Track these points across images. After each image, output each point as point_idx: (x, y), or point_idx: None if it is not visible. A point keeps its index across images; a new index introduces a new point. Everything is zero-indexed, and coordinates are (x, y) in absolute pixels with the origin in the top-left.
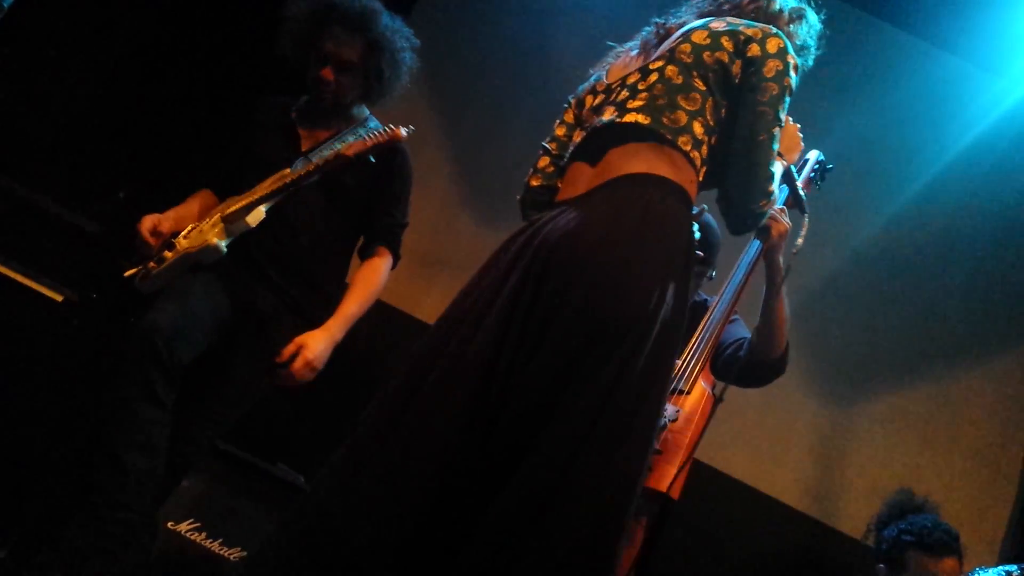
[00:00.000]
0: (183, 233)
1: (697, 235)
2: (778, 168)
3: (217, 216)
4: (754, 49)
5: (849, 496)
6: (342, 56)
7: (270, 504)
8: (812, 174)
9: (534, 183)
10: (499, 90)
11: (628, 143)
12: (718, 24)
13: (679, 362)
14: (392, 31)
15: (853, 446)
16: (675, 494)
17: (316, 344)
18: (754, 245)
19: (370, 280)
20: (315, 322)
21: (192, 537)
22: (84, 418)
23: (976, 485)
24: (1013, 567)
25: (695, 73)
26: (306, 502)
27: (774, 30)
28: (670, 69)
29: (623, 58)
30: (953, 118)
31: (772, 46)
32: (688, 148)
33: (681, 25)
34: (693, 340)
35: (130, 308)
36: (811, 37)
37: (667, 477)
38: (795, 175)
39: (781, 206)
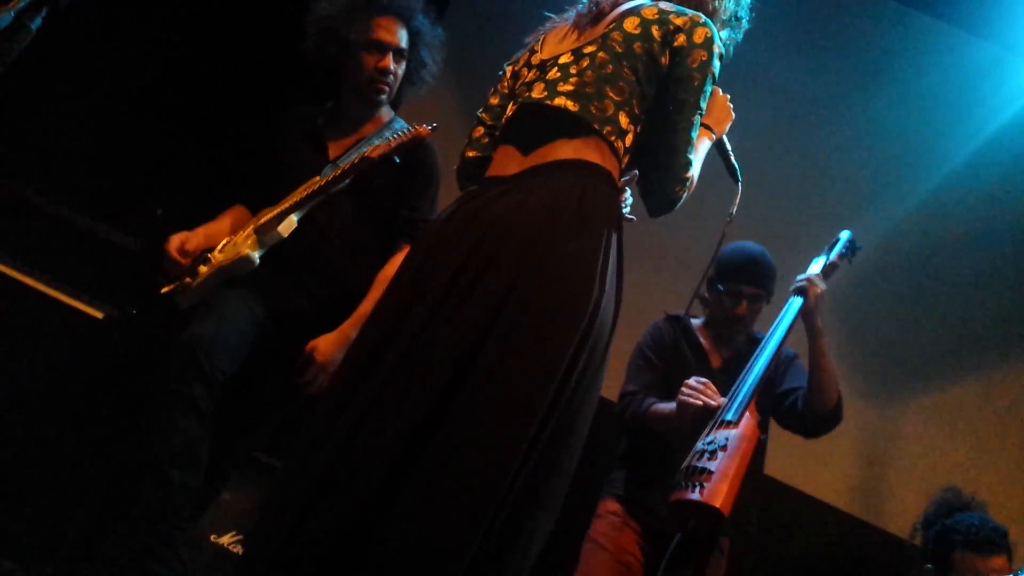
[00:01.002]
0: (218, 248)
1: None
2: (703, 145)
3: (250, 228)
4: (680, 39)
5: (895, 495)
6: (397, 44)
7: None
8: (844, 250)
9: (469, 154)
10: None
11: (559, 128)
12: (649, 11)
13: (729, 393)
14: (428, 23)
15: (899, 444)
16: (727, 511)
17: (328, 347)
18: (793, 301)
19: (391, 276)
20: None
21: (235, 550)
22: (126, 434)
23: None
24: None
25: (624, 63)
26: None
27: (702, 19)
28: (601, 56)
29: (557, 30)
30: (983, 102)
31: (699, 36)
32: (612, 138)
33: (615, 4)
34: (742, 375)
35: (170, 324)
36: (742, 8)
37: (721, 494)
38: (728, 147)
39: (818, 273)
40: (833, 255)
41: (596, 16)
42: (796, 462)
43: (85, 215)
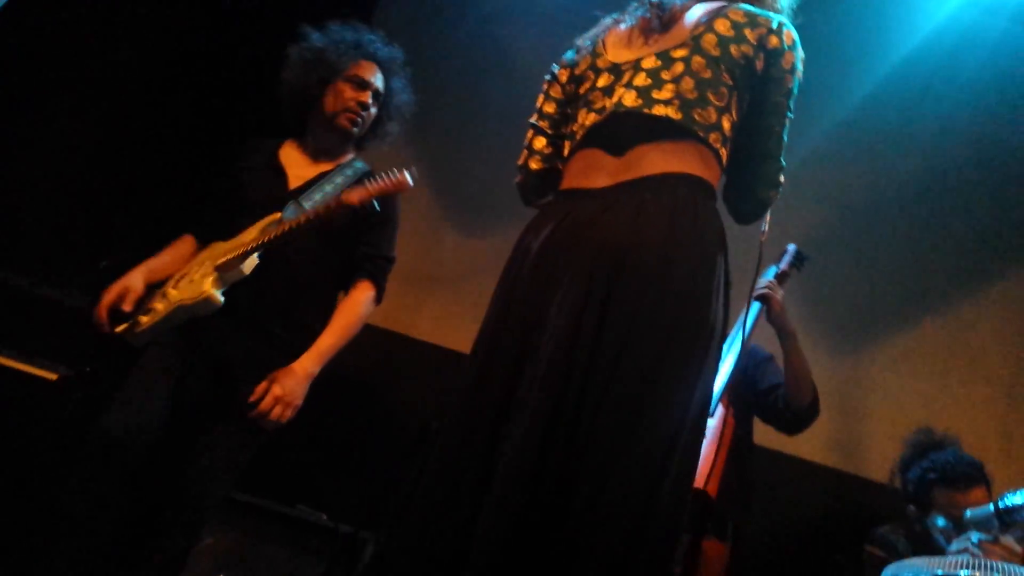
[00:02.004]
0: (172, 283)
1: None
2: None
3: (208, 265)
4: (774, 41)
5: (873, 442)
6: (375, 86)
7: (296, 546)
8: (792, 261)
9: (534, 166)
10: (465, 101)
11: (660, 138)
12: (737, 14)
13: None
14: (403, 84)
15: (870, 392)
16: (713, 492)
17: (286, 379)
18: (755, 306)
19: (350, 312)
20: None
21: None
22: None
23: (998, 411)
24: None
25: (723, 67)
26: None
27: (787, 21)
28: (697, 61)
29: (617, 32)
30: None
31: (788, 38)
32: (718, 146)
33: (684, 9)
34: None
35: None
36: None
37: (704, 475)
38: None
39: (771, 279)
40: (783, 265)
41: (668, 20)
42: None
43: (23, 276)
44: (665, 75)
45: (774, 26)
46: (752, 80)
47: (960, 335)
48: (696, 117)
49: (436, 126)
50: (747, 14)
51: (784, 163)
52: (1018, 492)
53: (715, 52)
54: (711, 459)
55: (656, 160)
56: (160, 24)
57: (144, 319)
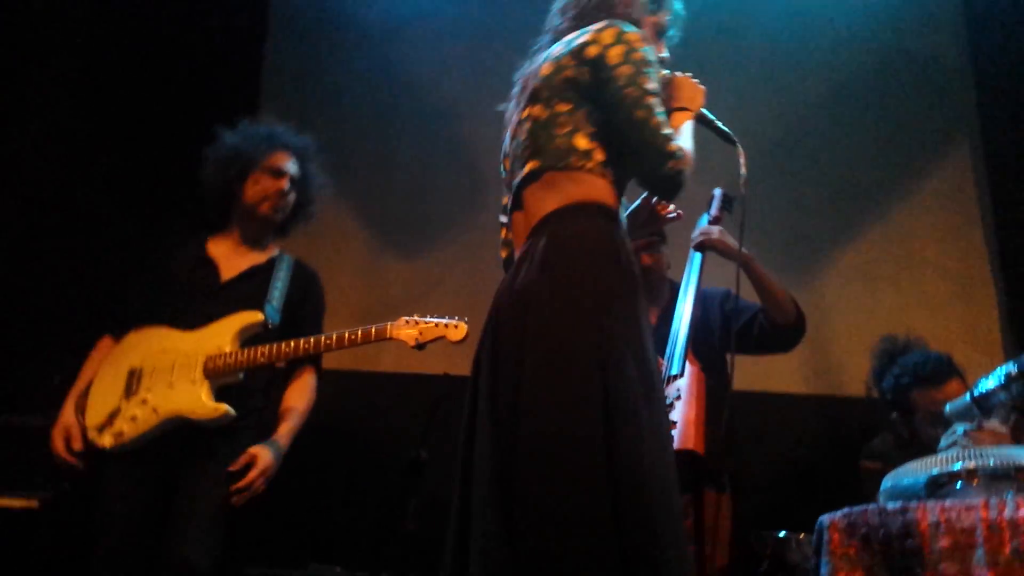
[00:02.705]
0: (147, 385)
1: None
2: (684, 126)
3: (198, 373)
4: (591, 50)
5: (845, 360)
6: (291, 173)
7: None
8: (721, 205)
9: (504, 255)
10: (379, 139)
11: (534, 190)
12: (557, 49)
13: (665, 352)
14: (316, 169)
15: (830, 313)
16: (701, 449)
17: (267, 454)
18: (695, 256)
19: (306, 397)
20: (255, 430)
21: None
22: None
23: (955, 303)
24: (1011, 365)
25: (554, 101)
26: None
27: (605, 23)
28: (535, 110)
29: (510, 117)
30: None
31: (607, 37)
32: (580, 163)
33: (536, 70)
34: (671, 329)
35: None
36: None
37: (691, 436)
38: (710, 116)
39: (704, 226)
40: (713, 211)
41: (523, 87)
42: (747, 367)
43: None
44: (523, 137)
45: (587, 38)
46: (588, 92)
47: (903, 239)
48: (548, 156)
49: (358, 163)
50: (566, 43)
51: (667, 132)
52: (990, 375)
53: (545, 93)
54: (691, 419)
55: (537, 209)
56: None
57: (126, 429)
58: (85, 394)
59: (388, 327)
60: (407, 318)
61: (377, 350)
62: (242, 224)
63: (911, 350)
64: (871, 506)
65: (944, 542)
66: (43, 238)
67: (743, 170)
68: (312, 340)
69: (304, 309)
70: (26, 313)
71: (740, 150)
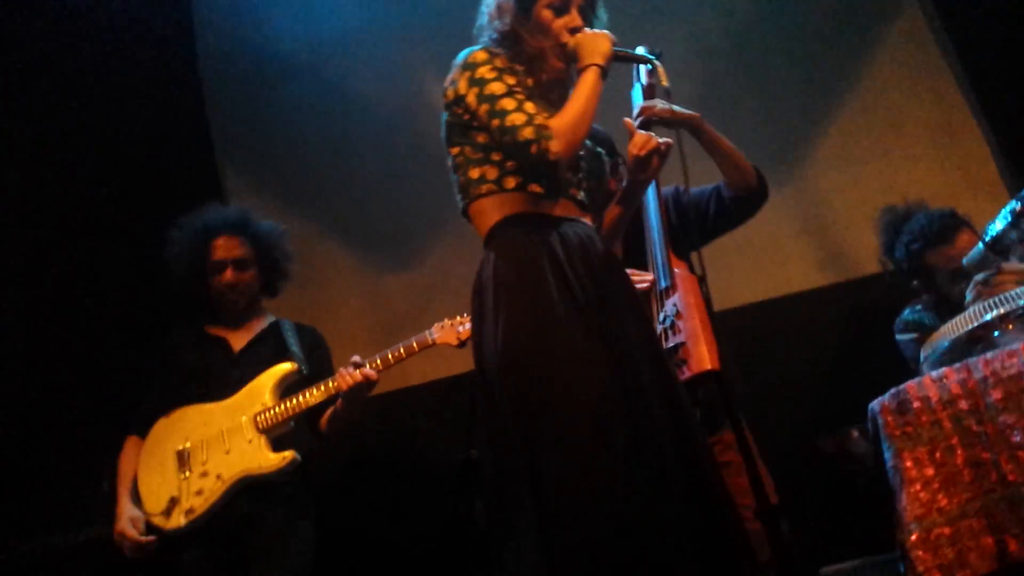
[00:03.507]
0: (196, 463)
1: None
2: (589, 83)
3: (251, 431)
4: (449, 93)
5: (854, 241)
6: (236, 256)
7: None
8: (650, 67)
9: None
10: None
11: (471, 217)
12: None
13: (649, 267)
14: (267, 225)
15: (826, 197)
16: (717, 366)
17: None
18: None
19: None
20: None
21: None
22: None
23: (948, 153)
24: (1014, 202)
25: (450, 146)
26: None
27: (455, 60)
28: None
29: None
30: None
31: (454, 74)
32: (477, 192)
33: None
34: (646, 238)
35: None
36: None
37: (705, 356)
38: (623, 51)
39: (641, 103)
40: (643, 78)
41: None
42: (755, 277)
43: (30, 539)
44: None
45: (446, 84)
46: (463, 129)
47: (878, 102)
48: (462, 192)
49: (330, 191)
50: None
51: (520, 122)
52: (997, 218)
53: (447, 138)
54: (698, 332)
55: (480, 230)
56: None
57: (196, 504)
58: (134, 489)
59: (427, 336)
60: (439, 324)
61: (400, 367)
62: (224, 308)
63: (913, 215)
64: (915, 380)
65: (996, 394)
66: (46, 353)
67: (665, 83)
68: (358, 371)
69: (318, 360)
70: (46, 429)
71: (657, 64)
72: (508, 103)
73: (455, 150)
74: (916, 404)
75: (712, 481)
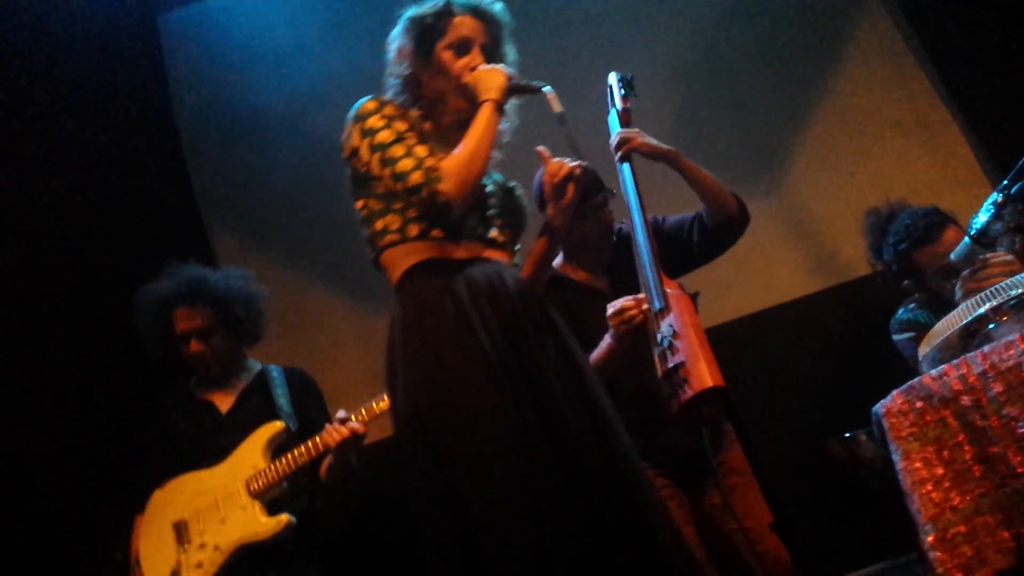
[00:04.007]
0: (194, 535)
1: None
2: (486, 117)
3: (244, 498)
4: (345, 148)
5: (840, 244)
6: (197, 326)
7: None
8: (622, 92)
9: None
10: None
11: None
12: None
13: (642, 290)
14: (225, 281)
15: (807, 204)
16: (721, 382)
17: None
18: (623, 168)
19: None
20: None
21: None
22: None
23: (927, 150)
24: (996, 194)
25: (355, 201)
26: None
27: (348, 119)
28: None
29: None
30: None
31: (347, 129)
32: (383, 244)
33: None
34: (636, 261)
35: None
36: (400, 31)
37: (705, 373)
38: (518, 84)
39: (619, 130)
40: (618, 103)
41: None
42: (747, 291)
43: None
44: None
45: (343, 139)
46: (362, 181)
47: (853, 105)
48: (370, 245)
49: (320, 228)
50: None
51: (408, 168)
52: (980, 211)
53: (352, 191)
54: (696, 350)
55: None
56: None
57: (206, 568)
58: (136, 565)
59: None
60: None
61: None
62: (200, 373)
63: (897, 215)
64: (916, 380)
65: (997, 387)
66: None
67: (559, 108)
68: (344, 426)
69: (310, 407)
70: (55, 499)
71: (549, 93)
72: (397, 150)
73: (359, 203)
74: (919, 404)
75: (650, 511)
